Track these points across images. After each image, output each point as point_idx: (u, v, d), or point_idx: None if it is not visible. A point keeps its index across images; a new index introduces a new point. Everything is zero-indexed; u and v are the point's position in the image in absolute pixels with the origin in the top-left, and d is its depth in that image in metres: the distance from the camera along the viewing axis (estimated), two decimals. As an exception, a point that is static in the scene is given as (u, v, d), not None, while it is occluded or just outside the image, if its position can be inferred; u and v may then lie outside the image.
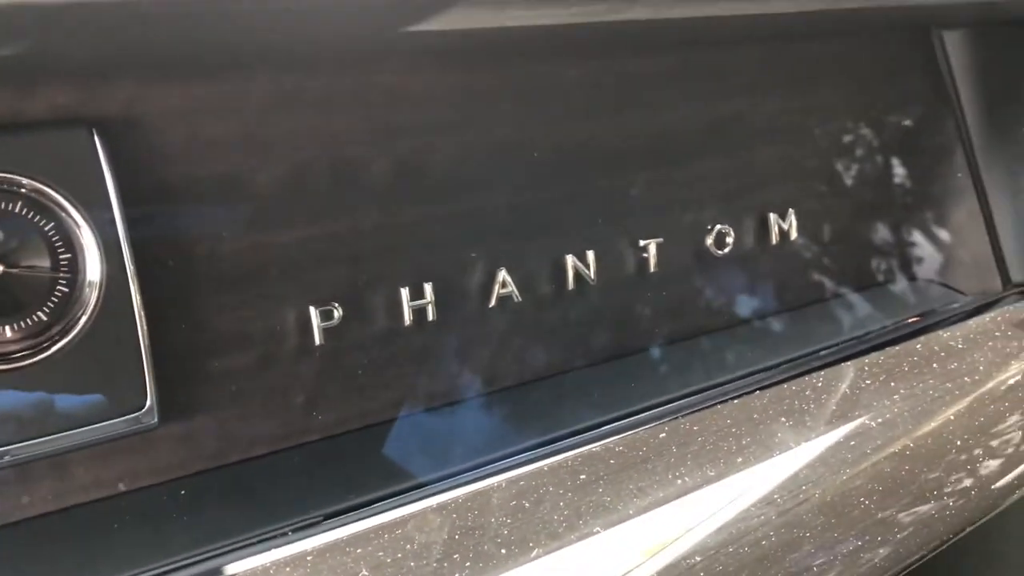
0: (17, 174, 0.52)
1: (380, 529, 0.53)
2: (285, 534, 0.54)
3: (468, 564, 0.52)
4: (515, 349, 0.67)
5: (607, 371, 0.70)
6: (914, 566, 0.62)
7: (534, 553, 0.53)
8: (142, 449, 0.57)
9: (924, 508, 0.65)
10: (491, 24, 0.50)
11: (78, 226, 0.53)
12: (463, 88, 0.65)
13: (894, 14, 0.82)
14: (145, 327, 0.54)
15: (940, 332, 0.78)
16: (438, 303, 0.64)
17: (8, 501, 0.53)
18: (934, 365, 0.74)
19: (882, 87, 0.87)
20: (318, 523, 0.55)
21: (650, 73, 0.72)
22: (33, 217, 0.53)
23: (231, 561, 0.50)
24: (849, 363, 0.73)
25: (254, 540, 0.52)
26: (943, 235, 0.90)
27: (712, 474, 0.60)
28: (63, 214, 0.53)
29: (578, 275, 0.70)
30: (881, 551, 0.61)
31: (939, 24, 0.88)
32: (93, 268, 0.53)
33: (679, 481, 0.59)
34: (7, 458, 0.52)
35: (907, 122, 0.88)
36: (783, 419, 0.66)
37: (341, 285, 0.61)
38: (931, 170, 0.90)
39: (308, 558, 0.51)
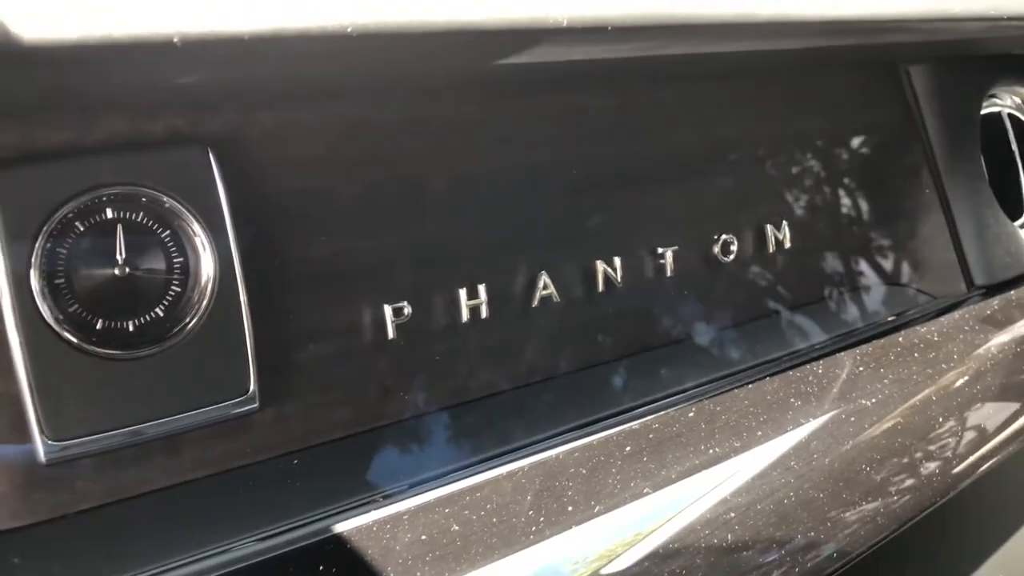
0: (142, 186, 0.59)
1: (463, 493, 0.61)
2: (376, 500, 0.62)
3: (543, 519, 0.60)
4: (557, 343, 0.76)
5: (636, 362, 0.79)
6: (913, 521, 0.71)
7: (596, 510, 0.61)
8: (241, 432, 0.64)
9: (915, 475, 0.74)
10: (563, 58, 0.59)
11: (194, 233, 0.61)
12: (508, 116, 0.74)
13: (866, 51, 0.93)
14: (250, 321, 0.62)
15: (918, 327, 0.89)
16: (490, 303, 0.73)
17: (128, 477, 0.60)
18: (916, 355, 0.84)
19: (858, 115, 0.98)
20: (404, 491, 0.62)
21: (664, 103, 0.82)
22: (151, 224, 0.60)
23: (346, 519, 0.58)
24: (843, 353, 0.83)
25: (356, 504, 0.60)
26: (914, 245, 1.01)
27: (737, 445, 0.69)
28: (179, 222, 0.60)
29: (607, 278, 0.79)
30: (883, 509, 0.70)
31: (905, 60, 1.00)
32: (206, 269, 0.61)
33: (710, 451, 0.68)
34: (127, 437, 0.58)
35: (880, 145, 0.99)
36: (792, 400, 0.75)
37: (409, 286, 0.69)
38: (902, 188, 1.01)
39: (404, 517, 0.59)
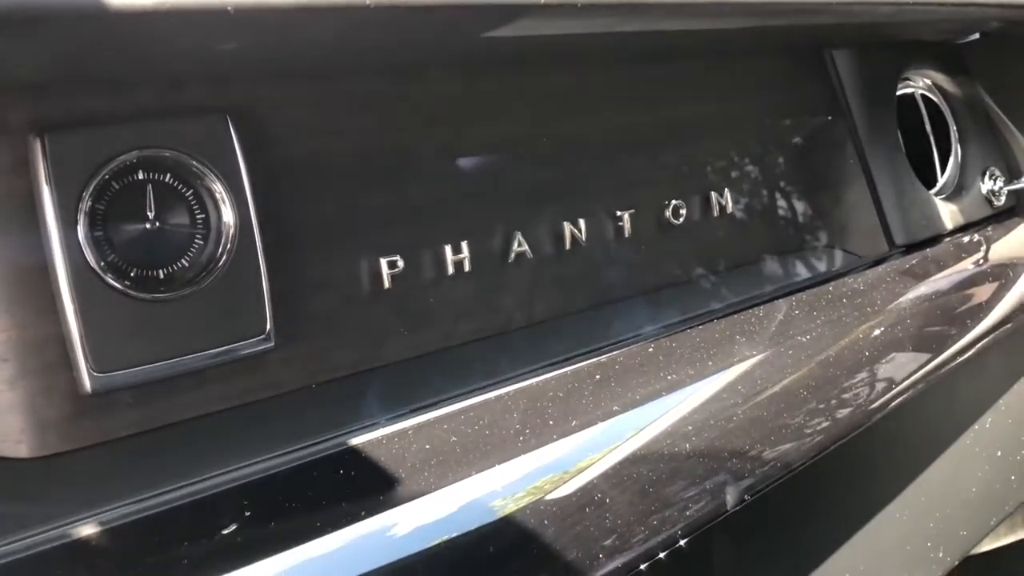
0: (169, 149, 0.67)
1: (458, 412, 0.70)
2: (380, 423, 0.71)
3: (528, 431, 0.69)
4: (531, 293, 0.86)
5: (600, 310, 0.89)
6: (843, 440, 0.82)
7: (573, 425, 0.71)
8: (259, 369, 0.72)
9: (844, 401, 0.86)
10: (538, 32, 0.69)
11: (215, 191, 0.69)
12: (487, 92, 0.83)
13: (794, 34, 1.05)
14: (266, 270, 0.70)
15: (846, 279, 1.01)
16: (472, 258, 0.82)
17: (161, 409, 0.68)
18: (844, 301, 0.96)
19: (790, 95, 1.10)
20: (406, 414, 0.71)
21: (621, 83, 0.93)
22: (177, 184, 0.68)
23: (356, 436, 0.67)
24: (781, 301, 0.94)
25: (364, 426, 0.69)
26: (841, 211, 1.14)
27: (692, 373, 0.79)
28: (202, 181, 0.68)
29: (574, 237, 0.88)
30: (818, 428, 0.81)
31: (829, 45, 1.12)
32: (227, 223, 0.69)
33: (668, 378, 0.78)
34: (160, 370, 0.66)
35: (810, 122, 1.11)
36: (737, 337, 0.86)
37: (401, 242, 0.78)
38: (829, 160, 1.13)
39: (409, 433, 0.68)
